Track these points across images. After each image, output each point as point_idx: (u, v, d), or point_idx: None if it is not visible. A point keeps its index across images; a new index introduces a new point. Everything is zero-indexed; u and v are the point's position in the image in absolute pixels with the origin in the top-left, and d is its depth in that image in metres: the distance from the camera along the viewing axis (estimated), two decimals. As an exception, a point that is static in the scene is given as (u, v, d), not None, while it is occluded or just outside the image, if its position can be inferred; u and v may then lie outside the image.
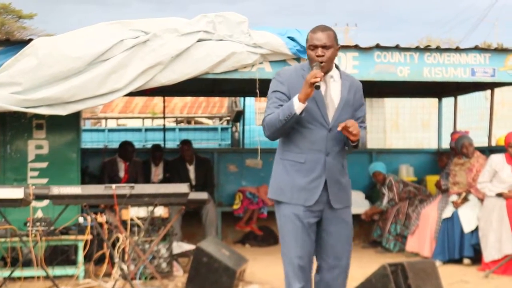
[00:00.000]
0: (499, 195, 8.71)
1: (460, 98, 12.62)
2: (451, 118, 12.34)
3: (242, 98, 15.76)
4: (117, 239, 7.57)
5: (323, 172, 4.76)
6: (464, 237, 9.19)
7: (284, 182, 4.85)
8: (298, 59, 8.10)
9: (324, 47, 4.70)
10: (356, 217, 10.11)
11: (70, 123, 8.94)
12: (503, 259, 8.52)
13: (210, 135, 19.72)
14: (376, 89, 12.01)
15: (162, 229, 7.94)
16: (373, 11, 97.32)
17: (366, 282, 6.26)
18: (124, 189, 6.91)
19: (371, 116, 15.94)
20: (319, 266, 4.94)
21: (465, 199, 9.42)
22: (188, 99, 22.65)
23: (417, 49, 8.66)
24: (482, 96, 14.48)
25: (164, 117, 14.60)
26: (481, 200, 9.19)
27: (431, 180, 11.40)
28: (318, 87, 4.53)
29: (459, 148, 9.77)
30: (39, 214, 8.58)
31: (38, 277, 7.65)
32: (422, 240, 9.67)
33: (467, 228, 9.17)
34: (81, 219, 8.16)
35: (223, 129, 20.04)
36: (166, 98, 14.03)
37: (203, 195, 7.75)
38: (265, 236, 11.35)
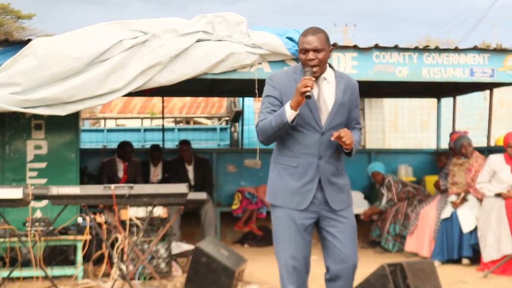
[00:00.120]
0: (498, 195, 8.72)
1: (459, 98, 12.63)
2: (450, 119, 12.35)
3: (241, 99, 15.77)
4: (116, 239, 7.56)
5: (316, 175, 4.75)
6: (463, 237, 9.20)
7: (277, 185, 4.86)
8: (297, 60, 8.10)
9: (315, 50, 4.66)
10: (355, 217, 10.13)
11: (69, 123, 8.94)
12: (502, 259, 8.53)
13: (209, 135, 19.72)
14: (375, 89, 12.01)
15: (161, 229, 7.94)
16: (372, 11, 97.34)
17: (365, 282, 6.26)
18: (123, 189, 6.91)
19: (370, 116, 15.97)
20: (327, 268, 4.92)
21: (464, 199, 9.43)
22: (187, 99, 22.63)
23: (416, 49, 8.66)
24: (481, 97, 14.48)
25: (163, 117, 14.63)
26: (480, 200, 9.19)
27: (430, 180, 11.41)
28: (308, 97, 4.50)
29: (458, 148, 9.77)
30: (38, 214, 8.58)
31: (37, 277, 7.65)
32: (421, 240, 9.67)
33: (466, 228, 9.18)
34: (80, 219, 8.16)
35: (222, 129, 20.04)
36: (165, 98, 14.06)
37: (202, 195, 7.75)
38: (264, 236, 11.35)
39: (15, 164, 8.89)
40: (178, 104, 22.89)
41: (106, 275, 7.70)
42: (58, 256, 8.03)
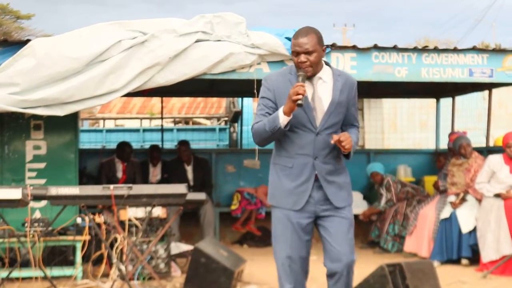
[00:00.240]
0: (497, 195, 8.72)
1: (458, 98, 12.63)
2: (449, 119, 12.35)
3: (240, 99, 15.78)
4: (115, 239, 7.57)
5: (312, 175, 4.76)
6: (462, 237, 9.20)
7: (275, 186, 4.89)
8: (296, 60, 8.10)
9: (306, 53, 4.64)
10: (354, 218, 10.13)
11: (68, 123, 8.94)
12: (501, 260, 8.53)
13: (208, 136, 19.72)
14: (374, 89, 12.01)
15: (160, 230, 7.94)
16: (371, 12, 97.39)
17: (364, 283, 6.27)
18: (122, 189, 6.91)
19: (369, 116, 15.97)
20: (324, 266, 4.92)
21: (463, 200, 9.43)
22: (186, 99, 22.63)
23: (415, 49, 8.66)
24: (480, 97, 14.50)
25: (162, 118, 14.64)
26: (479, 200, 9.19)
27: (429, 180, 11.41)
28: (300, 105, 4.51)
29: (457, 148, 9.77)
30: (37, 214, 8.58)
31: (36, 278, 7.65)
32: (420, 241, 9.67)
33: (465, 228, 9.18)
34: (79, 220, 8.15)
35: (221, 129, 20.04)
36: (164, 98, 14.07)
37: (201, 196, 7.75)
38: (263, 236, 11.35)
39: (14, 164, 8.89)
40: (177, 105, 22.89)
41: (105, 275, 7.70)
42: (57, 256, 8.04)
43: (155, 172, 11.23)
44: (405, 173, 11.99)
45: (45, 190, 6.84)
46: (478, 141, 12.02)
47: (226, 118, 20.57)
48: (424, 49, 8.66)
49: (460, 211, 9.31)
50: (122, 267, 7.34)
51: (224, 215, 11.36)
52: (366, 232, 11.17)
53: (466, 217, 9.22)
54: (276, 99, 4.74)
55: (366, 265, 7.79)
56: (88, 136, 19.02)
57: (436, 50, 8.67)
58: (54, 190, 6.80)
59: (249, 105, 16.68)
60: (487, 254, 8.68)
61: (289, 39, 8.07)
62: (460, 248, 9.21)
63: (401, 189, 10.68)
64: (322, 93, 4.75)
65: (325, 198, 4.79)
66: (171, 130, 19.48)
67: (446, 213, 9.41)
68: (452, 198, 9.59)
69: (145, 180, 10.97)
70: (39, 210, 8.69)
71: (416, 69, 8.58)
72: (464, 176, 9.60)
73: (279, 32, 8.18)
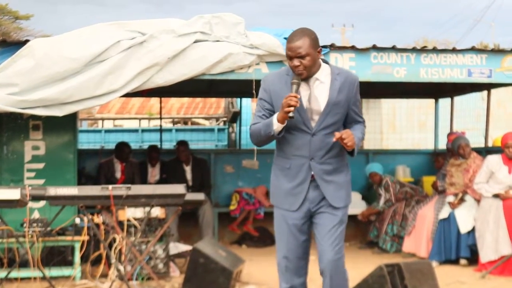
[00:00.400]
0: (496, 195, 8.72)
1: (457, 99, 12.63)
2: (447, 119, 12.36)
3: (238, 99, 15.78)
4: (114, 240, 7.57)
5: (308, 176, 4.76)
6: (460, 237, 9.20)
7: (275, 186, 4.93)
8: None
9: (299, 57, 4.62)
10: (353, 218, 10.15)
11: (67, 124, 8.94)
12: (499, 260, 8.53)
13: (206, 136, 19.73)
14: (373, 90, 12.01)
15: (158, 230, 7.94)
16: (370, 12, 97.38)
17: (363, 283, 6.27)
18: (120, 190, 6.91)
19: (368, 116, 15.94)
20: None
21: (462, 200, 9.43)
22: (185, 100, 22.63)
23: (413, 50, 8.66)
24: (479, 97, 14.51)
25: (160, 118, 14.65)
26: (478, 200, 9.20)
27: (428, 180, 11.42)
28: (291, 117, 4.53)
29: (456, 149, 9.78)
30: (36, 215, 8.57)
31: (35, 278, 7.65)
32: (418, 241, 9.67)
33: (464, 228, 9.18)
34: (77, 220, 8.16)
35: (219, 130, 20.05)
36: (162, 99, 14.07)
37: (200, 196, 7.76)
38: (262, 236, 11.36)
39: (13, 164, 8.89)
40: (176, 105, 22.89)
41: (104, 275, 7.70)
42: (56, 256, 8.03)
43: (154, 173, 11.23)
44: (403, 173, 12.00)
45: (44, 190, 6.84)
46: (476, 141, 12.03)
47: (224, 119, 20.58)
48: (423, 50, 8.66)
49: (459, 211, 9.32)
50: (121, 267, 7.33)
51: (222, 215, 11.36)
52: (365, 232, 11.17)
53: (465, 217, 9.23)
54: (272, 100, 4.75)
55: (364, 265, 7.80)
56: (87, 136, 19.03)
57: (434, 50, 8.67)
58: (52, 191, 6.80)
59: (248, 106, 16.68)
60: (486, 254, 8.68)
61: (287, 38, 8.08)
62: (458, 248, 9.21)
63: (399, 189, 10.69)
64: (319, 94, 4.74)
65: (321, 198, 4.79)
66: (169, 130, 19.49)
67: (444, 213, 9.41)
68: (450, 198, 9.59)
69: (144, 181, 10.96)
70: (37, 211, 8.68)
71: (415, 70, 8.58)
72: (462, 177, 9.60)
73: (277, 32, 8.18)
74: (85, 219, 7.69)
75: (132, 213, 7.98)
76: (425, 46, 8.92)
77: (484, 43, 30.57)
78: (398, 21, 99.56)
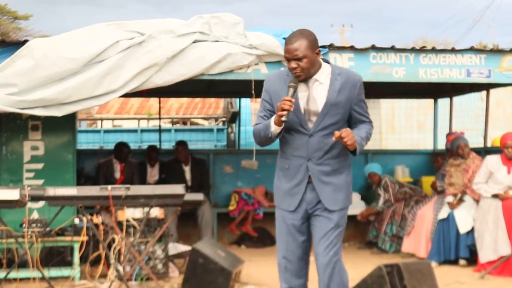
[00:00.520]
0: (495, 196, 8.72)
1: (456, 99, 12.63)
2: (446, 119, 12.35)
3: (237, 99, 15.78)
4: (113, 240, 7.56)
5: (305, 177, 4.76)
6: (459, 238, 9.20)
7: (276, 186, 4.94)
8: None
9: (296, 59, 4.61)
10: (352, 218, 10.15)
11: (66, 124, 8.94)
12: (498, 260, 8.53)
13: (205, 136, 19.73)
14: (372, 90, 11.97)
15: (158, 230, 7.93)
16: (369, 12, 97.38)
17: (362, 283, 6.27)
18: (119, 190, 6.92)
19: (366, 117, 15.93)
20: None
21: (461, 200, 9.43)
22: (184, 100, 22.63)
23: (412, 50, 8.66)
24: (478, 97, 14.50)
25: (159, 118, 14.64)
26: (477, 201, 9.20)
27: (427, 181, 11.42)
28: (284, 121, 4.54)
29: (455, 149, 9.78)
30: (35, 215, 8.56)
31: (34, 278, 7.65)
32: (417, 241, 9.68)
33: (463, 229, 9.18)
34: (76, 220, 8.15)
35: (218, 130, 20.05)
36: (161, 99, 14.07)
37: (199, 196, 7.75)
38: (261, 237, 11.36)
39: (11, 165, 8.89)
40: (175, 105, 22.89)
41: (103, 276, 7.70)
42: (55, 257, 8.02)
43: (153, 173, 11.22)
44: (403, 174, 11.99)
45: (43, 190, 6.84)
46: (475, 141, 12.03)
47: (224, 119, 20.58)
48: (422, 50, 8.66)
49: (458, 211, 9.32)
50: (120, 268, 7.33)
51: (222, 215, 11.35)
52: (364, 232, 11.17)
53: (464, 218, 9.23)
54: (272, 100, 4.76)
55: (364, 266, 7.80)
56: (86, 136, 19.03)
57: (433, 50, 8.67)
58: (52, 191, 6.80)
59: (247, 106, 16.68)
60: (485, 254, 8.68)
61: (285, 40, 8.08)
62: (458, 248, 9.21)
63: (399, 190, 10.69)
64: (317, 95, 4.72)
65: (318, 200, 4.78)
66: (169, 130, 19.49)
67: (443, 213, 9.42)
68: (450, 198, 9.59)
69: (143, 181, 10.96)
70: (37, 211, 8.68)
71: (414, 70, 8.58)
72: (462, 177, 9.60)
73: (276, 32, 8.18)
74: (84, 219, 7.68)
75: (131, 214, 7.98)
76: (424, 46, 8.92)
77: (483, 43, 30.60)
78: (397, 21, 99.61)
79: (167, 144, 16.44)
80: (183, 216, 10.14)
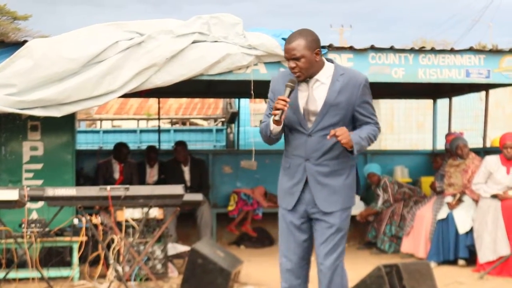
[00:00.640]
0: (494, 196, 8.72)
1: (455, 99, 12.63)
2: (446, 120, 12.36)
3: (237, 100, 15.77)
4: (112, 240, 7.57)
5: (303, 177, 4.76)
6: (459, 238, 9.20)
7: (278, 184, 4.95)
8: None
9: (294, 58, 4.61)
10: (351, 218, 10.12)
11: (65, 124, 8.94)
12: (498, 260, 8.53)
13: (205, 137, 19.70)
14: (371, 90, 11.99)
15: (157, 231, 7.94)
16: (368, 12, 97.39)
17: (361, 283, 6.27)
18: (119, 190, 6.92)
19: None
20: None
21: (460, 201, 9.43)
22: (183, 100, 22.63)
23: (411, 50, 8.66)
24: (477, 98, 14.52)
25: (159, 119, 14.62)
26: (476, 201, 9.20)
27: (426, 181, 11.43)
28: (277, 121, 4.56)
29: (454, 149, 9.78)
30: (34, 215, 8.57)
31: (33, 279, 7.66)
32: (417, 241, 9.68)
33: (462, 229, 9.19)
34: (76, 221, 8.15)
35: (218, 130, 20.03)
36: (161, 99, 14.05)
37: (198, 197, 7.76)
38: (260, 237, 11.36)
39: (11, 165, 8.88)
40: (174, 105, 22.89)
41: (102, 276, 7.71)
42: (54, 257, 8.03)
43: (152, 173, 11.22)
44: (402, 174, 11.99)
45: (42, 191, 6.85)
46: (475, 142, 12.03)
47: (223, 119, 20.56)
48: (421, 50, 8.67)
49: (457, 212, 9.32)
50: (119, 268, 7.33)
51: (221, 216, 11.35)
52: (363, 233, 11.17)
53: (463, 218, 9.23)
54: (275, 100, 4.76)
55: (363, 266, 7.80)
56: (85, 137, 19.02)
57: (433, 51, 8.67)
58: (51, 191, 6.80)
59: (246, 106, 16.68)
60: (484, 254, 8.69)
61: (285, 40, 8.07)
62: (457, 248, 9.22)
63: (398, 190, 10.69)
64: (318, 95, 4.71)
65: (315, 201, 4.79)
66: (168, 131, 19.46)
67: (443, 214, 9.42)
68: (449, 199, 9.60)
69: (142, 181, 10.95)
70: (36, 211, 8.68)
71: (413, 70, 8.58)
72: (461, 177, 9.60)
73: (276, 33, 8.18)
74: (84, 219, 7.69)
75: (130, 214, 7.98)
76: (423, 47, 8.93)
77: (482, 43, 30.59)
78: (396, 22, 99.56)
79: (166, 144, 16.43)
80: (182, 216, 10.13)
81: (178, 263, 8.69)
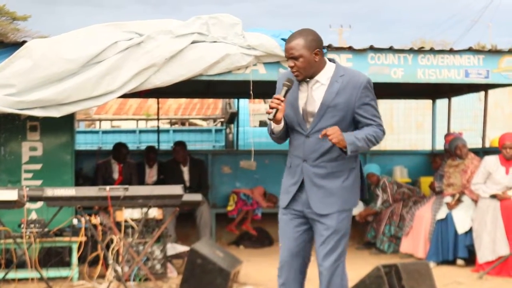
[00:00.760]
0: (493, 196, 8.73)
1: (454, 99, 12.64)
2: (445, 120, 12.36)
3: (236, 100, 15.76)
4: (111, 240, 7.57)
5: (301, 177, 4.76)
6: (458, 238, 9.21)
7: (282, 183, 4.96)
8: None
9: (293, 58, 4.60)
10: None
11: (64, 124, 8.93)
12: (497, 260, 8.54)
13: (204, 137, 19.71)
14: (370, 90, 12.00)
15: (156, 231, 7.94)
16: (368, 13, 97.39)
17: (360, 283, 6.27)
18: (118, 190, 6.92)
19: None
20: None
21: (459, 201, 9.43)
22: (182, 100, 22.63)
23: (411, 50, 8.66)
24: (476, 98, 14.52)
25: (158, 119, 14.60)
26: (475, 201, 9.20)
27: (425, 181, 11.42)
28: (271, 119, 4.57)
29: (453, 149, 9.78)
30: (33, 215, 8.55)
31: (32, 279, 7.66)
32: (416, 241, 9.68)
33: (461, 229, 9.19)
34: (75, 221, 8.15)
35: (217, 130, 20.02)
36: (160, 99, 14.04)
37: (197, 197, 7.76)
38: (260, 237, 11.35)
39: (10, 165, 8.88)
40: (174, 106, 22.89)
41: (102, 276, 7.71)
42: (53, 257, 8.03)
43: (151, 173, 11.22)
44: (401, 174, 12.00)
45: (41, 191, 6.85)
46: (474, 142, 12.04)
47: (222, 119, 20.56)
48: (420, 50, 8.67)
49: (456, 212, 9.32)
50: (118, 268, 7.33)
51: (220, 216, 11.35)
52: (362, 233, 11.17)
53: (462, 218, 9.23)
54: None
55: (362, 266, 7.80)
56: (84, 137, 19.02)
57: (432, 51, 8.68)
58: (50, 191, 6.80)
59: (245, 106, 16.67)
60: (483, 255, 8.69)
61: (285, 40, 8.06)
62: (456, 248, 9.22)
63: (397, 190, 10.69)
64: (317, 96, 4.69)
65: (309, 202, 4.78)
66: (167, 131, 19.46)
67: (442, 214, 9.42)
68: (448, 199, 9.60)
69: (141, 181, 10.95)
70: (35, 211, 8.67)
71: (412, 70, 8.58)
72: (460, 177, 9.61)
73: (275, 33, 8.18)
74: (83, 220, 7.70)
75: (129, 214, 7.98)
76: (422, 47, 8.94)
77: (481, 43, 30.62)
78: (395, 22, 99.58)
79: (166, 144, 16.42)
80: (181, 216, 10.14)
81: (177, 263, 8.69)
